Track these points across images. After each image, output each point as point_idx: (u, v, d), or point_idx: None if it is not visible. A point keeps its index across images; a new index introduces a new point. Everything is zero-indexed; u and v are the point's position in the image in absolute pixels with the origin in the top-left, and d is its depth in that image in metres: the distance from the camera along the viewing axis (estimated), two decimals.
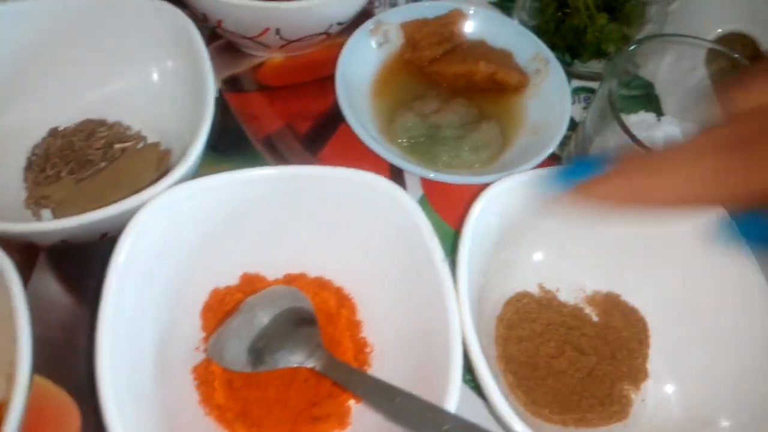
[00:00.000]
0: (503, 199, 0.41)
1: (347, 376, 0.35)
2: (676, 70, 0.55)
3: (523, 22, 0.60)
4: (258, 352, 0.37)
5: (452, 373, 0.34)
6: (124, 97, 0.51)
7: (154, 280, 0.38)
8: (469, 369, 0.36)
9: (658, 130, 0.50)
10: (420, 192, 0.52)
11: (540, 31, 0.58)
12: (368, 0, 0.54)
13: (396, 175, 0.52)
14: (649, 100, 0.59)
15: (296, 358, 0.36)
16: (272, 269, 0.44)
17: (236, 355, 0.37)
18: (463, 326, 0.36)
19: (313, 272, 0.44)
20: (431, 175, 0.48)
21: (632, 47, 0.48)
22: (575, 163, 0.30)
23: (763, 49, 0.59)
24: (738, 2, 0.60)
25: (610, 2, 0.54)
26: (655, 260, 0.45)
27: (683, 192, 0.27)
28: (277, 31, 0.51)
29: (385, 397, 0.33)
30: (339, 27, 0.54)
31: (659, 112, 0.57)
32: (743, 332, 0.40)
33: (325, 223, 0.42)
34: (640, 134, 0.50)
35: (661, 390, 0.43)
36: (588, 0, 0.54)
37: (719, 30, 0.60)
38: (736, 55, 0.50)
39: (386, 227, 0.41)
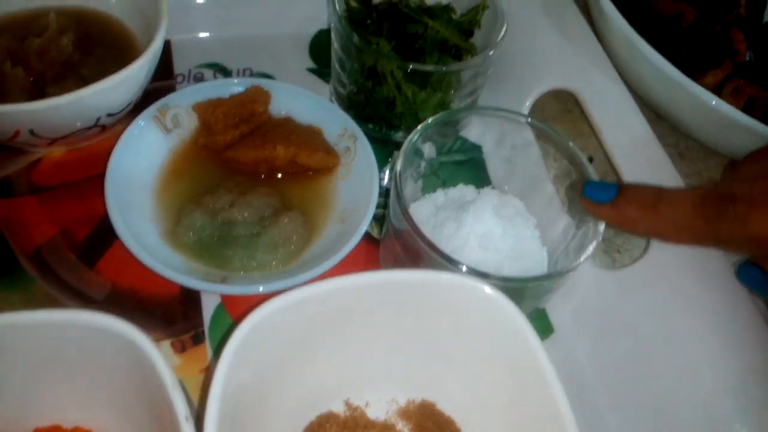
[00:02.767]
0: (271, 323, 0.35)
1: None
2: (492, 137, 0.52)
3: (337, 93, 0.56)
4: None
5: None
6: None
7: None
8: None
9: (467, 212, 0.45)
10: (217, 299, 0.46)
11: (352, 104, 0.54)
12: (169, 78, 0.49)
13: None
14: (475, 165, 0.56)
15: None
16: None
17: None
18: None
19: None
20: (212, 287, 0.42)
21: (414, 137, 0.44)
22: (592, 186, 0.42)
23: (585, 104, 0.56)
24: (557, 60, 0.57)
25: (418, 72, 0.50)
26: (463, 363, 0.40)
27: (659, 230, 0.40)
28: (32, 132, 0.44)
29: None
30: (112, 118, 0.47)
31: (485, 180, 0.54)
32: None
33: None
34: (449, 217, 0.46)
35: None
36: (394, 70, 0.49)
37: (542, 88, 0.58)
38: (542, 125, 0.46)
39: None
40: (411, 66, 0.48)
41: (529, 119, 0.47)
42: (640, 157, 0.55)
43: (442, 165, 0.54)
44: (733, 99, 0.57)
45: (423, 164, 0.52)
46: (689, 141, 0.61)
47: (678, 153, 0.61)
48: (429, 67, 0.49)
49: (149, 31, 0.50)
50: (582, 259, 0.41)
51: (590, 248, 0.41)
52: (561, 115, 0.61)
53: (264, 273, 0.45)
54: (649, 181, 0.54)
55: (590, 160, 0.59)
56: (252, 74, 0.58)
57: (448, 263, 0.39)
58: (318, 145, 0.50)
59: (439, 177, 0.54)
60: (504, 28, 0.50)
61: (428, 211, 0.48)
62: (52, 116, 0.43)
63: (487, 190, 0.50)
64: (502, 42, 0.50)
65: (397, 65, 0.48)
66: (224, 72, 0.58)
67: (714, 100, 0.51)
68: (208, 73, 0.58)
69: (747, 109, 0.56)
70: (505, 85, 0.57)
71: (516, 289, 0.40)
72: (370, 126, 0.54)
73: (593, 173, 0.44)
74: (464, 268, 0.39)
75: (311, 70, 0.60)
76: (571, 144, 0.45)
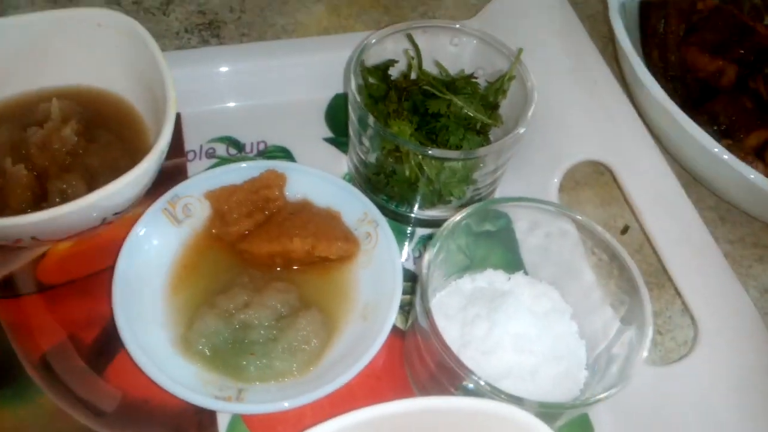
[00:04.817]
0: None
1: None
2: (524, 225, 0.48)
3: (355, 166, 0.52)
4: None
5: None
6: None
7: None
8: None
9: (500, 310, 0.42)
10: None
11: (371, 182, 0.51)
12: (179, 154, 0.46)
13: None
14: (504, 238, 0.52)
15: None
16: None
17: None
18: None
19: None
20: (227, 407, 0.40)
21: (443, 236, 0.41)
22: None
23: (619, 177, 0.53)
24: (589, 130, 0.54)
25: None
26: None
27: None
28: (34, 238, 0.42)
29: None
30: (119, 215, 0.45)
31: (516, 261, 0.50)
32: None
33: None
34: (480, 315, 0.43)
35: None
36: (417, 157, 0.46)
37: (572, 161, 0.54)
38: (569, 213, 0.43)
39: None
40: (433, 152, 0.45)
41: (568, 212, 0.43)
42: (677, 229, 0.52)
43: (470, 238, 0.51)
44: None
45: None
46: (730, 203, 0.57)
47: (719, 217, 0.57)
48: (453, 154, 0.46)
49: (156, 108, 0.48)
50: (630, 374, 0.37)
51: (638, 360, 0.38)
52: (593, 178, 0.58)
53: (282, 383, 0.42)
54: (689, 256, 0.51)
55: (625, 230, 0.55)
56: (266, 147, 0.55)
57: (487, 391, 0.36)
58: (337, 234, 0.47)
59: (467, 255, 0.51)
60: (532, 107, 0.47)
61: (456, 303, 0.45)
62: (53, 224, 0.40)
63: (518, 277, 0.47)
64: (530, 119, 0.47)
65: (419, 152, 0.45)
66: (237, 146, 0.55)
67: (753, 174, 0.48)
68: (220, 147, 0.55)
69: None
70: (533, 158, 0.53)
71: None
72: (387, 201, 0.51)
73: (638, 277, 0.41)
74: (497, 394, 0.35)
75: (328, 140, 0.57)
76: (609, 236, 0.42)
